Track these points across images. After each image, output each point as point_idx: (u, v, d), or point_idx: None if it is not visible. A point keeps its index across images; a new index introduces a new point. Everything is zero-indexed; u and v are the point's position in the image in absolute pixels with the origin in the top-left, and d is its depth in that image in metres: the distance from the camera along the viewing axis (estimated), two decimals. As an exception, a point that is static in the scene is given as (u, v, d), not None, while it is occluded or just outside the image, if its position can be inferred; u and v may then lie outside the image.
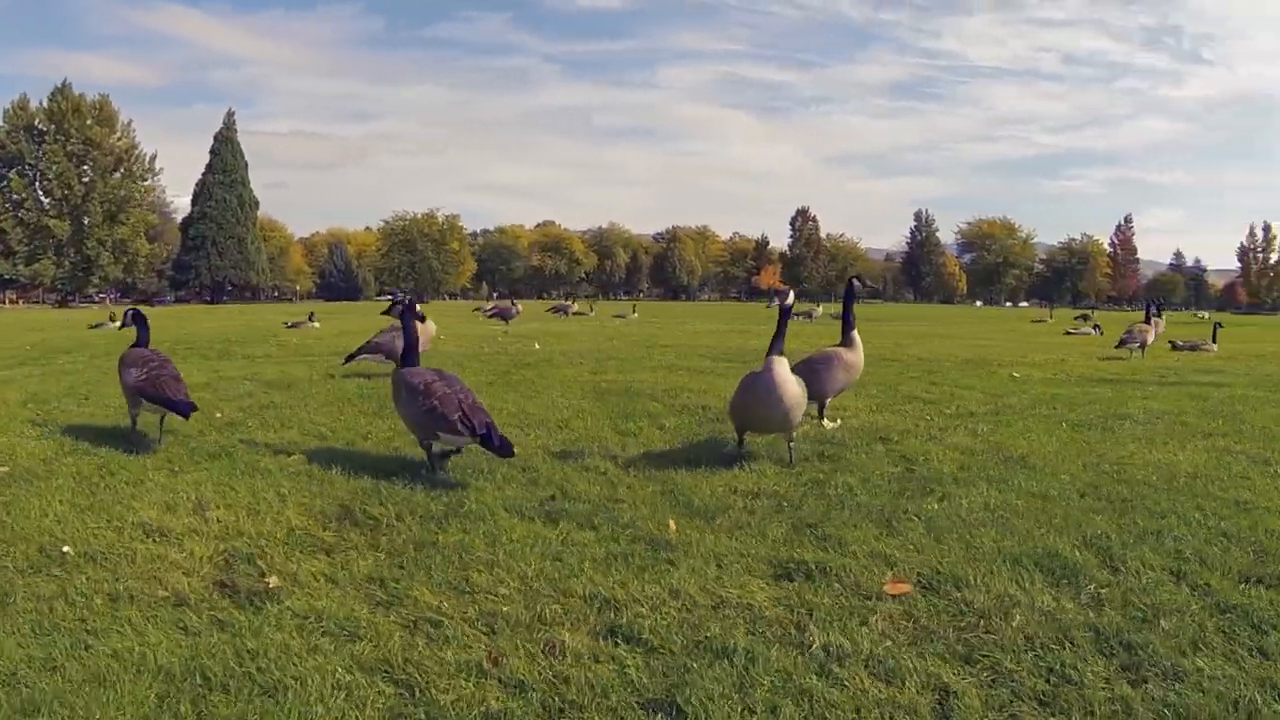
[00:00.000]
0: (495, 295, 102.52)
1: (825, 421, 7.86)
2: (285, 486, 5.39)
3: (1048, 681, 2.99)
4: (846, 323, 8.19)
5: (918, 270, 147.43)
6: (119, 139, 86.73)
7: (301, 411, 8.18)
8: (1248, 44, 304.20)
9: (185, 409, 6.41)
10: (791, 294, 6.62)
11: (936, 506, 5.04)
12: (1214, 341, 18.36)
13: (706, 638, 3.23)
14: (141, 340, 7.22)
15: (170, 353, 13.20)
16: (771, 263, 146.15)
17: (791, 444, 6.31)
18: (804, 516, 4.77)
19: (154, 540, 4.42)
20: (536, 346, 16.10)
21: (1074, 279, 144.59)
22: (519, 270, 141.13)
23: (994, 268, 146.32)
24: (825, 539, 4.38)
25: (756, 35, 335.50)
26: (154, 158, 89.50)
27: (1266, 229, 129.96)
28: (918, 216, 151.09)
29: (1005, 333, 28.82)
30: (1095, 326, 29.52)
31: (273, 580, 3.88)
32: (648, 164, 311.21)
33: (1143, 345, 16.17)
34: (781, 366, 6.05)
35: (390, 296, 12.80)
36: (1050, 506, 5.09)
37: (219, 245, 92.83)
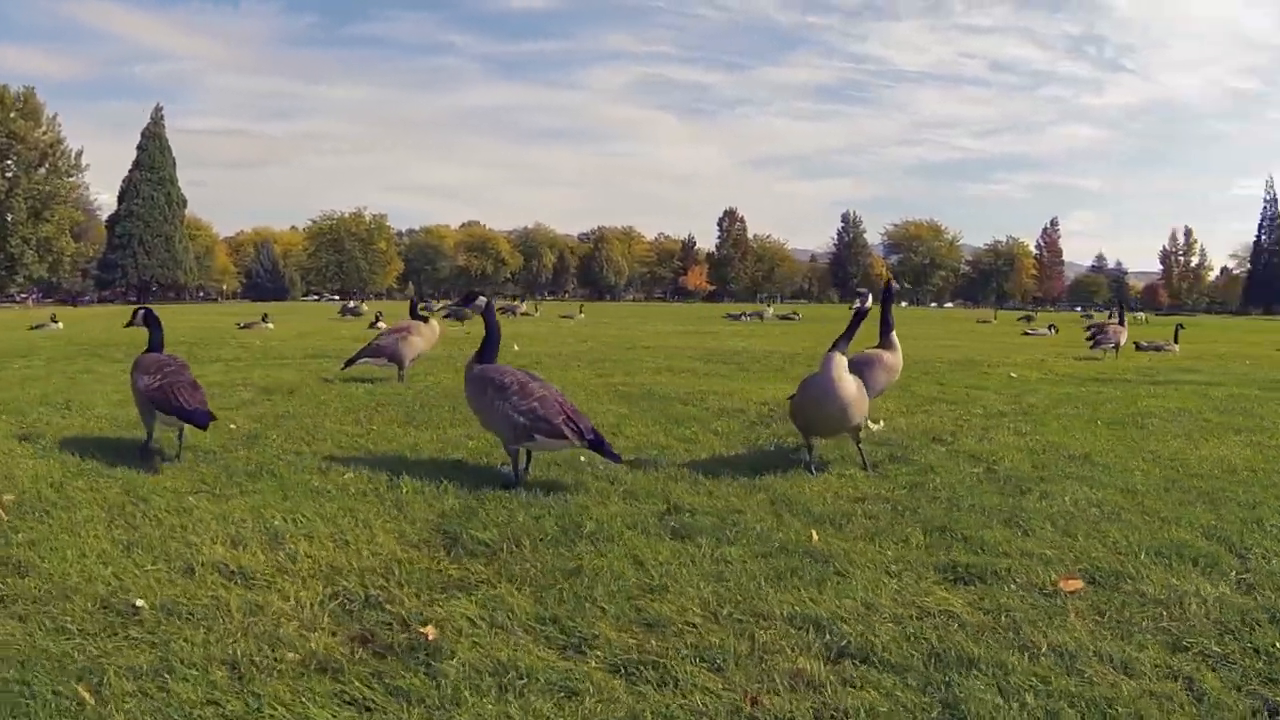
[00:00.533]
0: (434, 295, 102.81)
1: (869, 423, 8.11)
2: (361, 510, 5.03)
3: (1263, 661, 3.22)
4: (886, 324, 8.46)
5: (845, 271, 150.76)
6: (44, 133, 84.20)
7: (325, 421, 7.91)
8: (1167, 54, 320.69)
9: (202, 419, 6.06)
10: (870, 298, 6.80)
11: (1043, 505, 5.28)
12: (1175, 342, 19.29)
13: (941, 650, 3.29)
14: (155, 344, 6.83)
15: (108, 358, 12.82)
16: (698, 263, 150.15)
17: (861, 445, 6.49)
18: (929, 520, 4.91)
19: (240, 585, 3.89)
20: (515, 348, 16.09)
21: (1000, 280, 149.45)
22: (444, 270, 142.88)
23: (921, 269, 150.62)
24: (968, 541, 4.53)
25: (683, 37, 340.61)
26: (80, 153, 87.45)
27: (1188, 233, 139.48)
28: (845, 218, 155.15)
29: (963, 334, 29.75)
30: (1050, 326, 30.71)
31: (430, 631, 3.40)
32: (574, 165, 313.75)
33: (1116, 346, 16.95)
34: (839, 364, 6.13)
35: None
36: (1147, 502, 5.38)
37: (146, 244, 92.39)
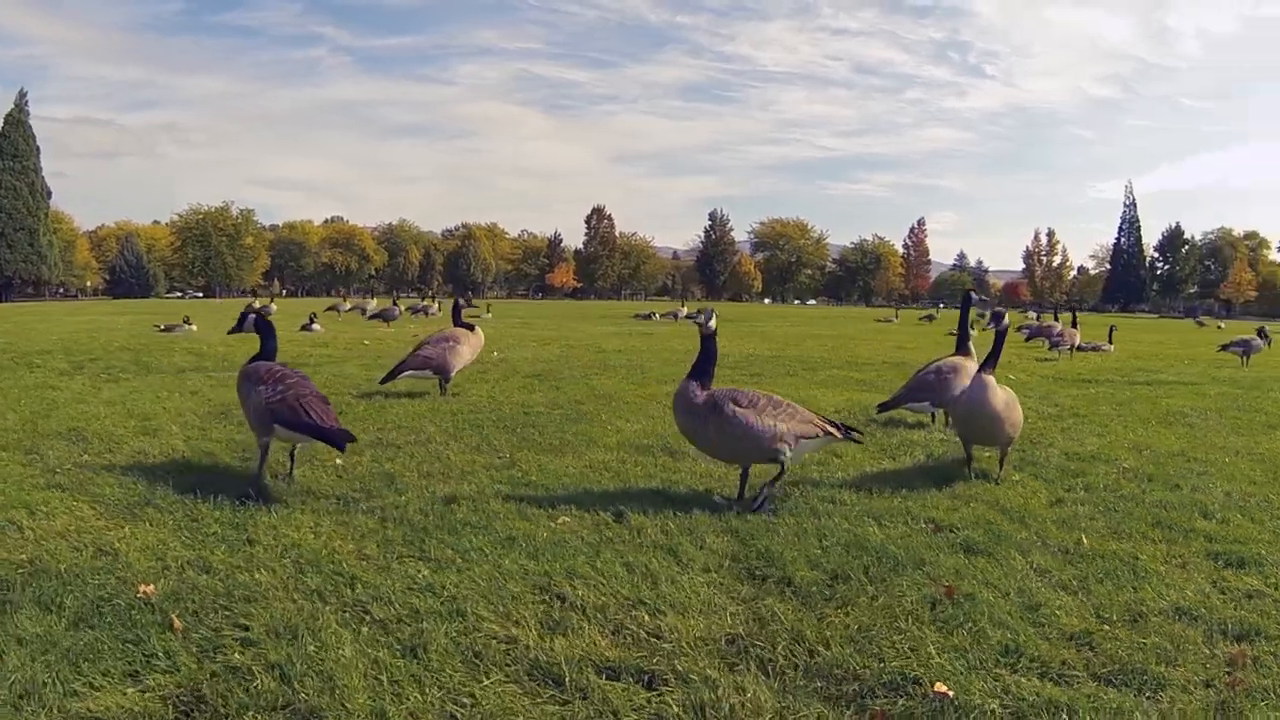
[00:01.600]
0: (284, 292, 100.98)
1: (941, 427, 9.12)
2: (630, 557, 4.69)
3: None
4: (964, 333, 9.47)
5: (712, 269, 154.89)
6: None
7: (446, 452, 7.39)
8: (1029, 61, 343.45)
9: (341, 438, 5.70)
10: (1008, 316, 7.64)
11: (1203, 497, 6.25)
12: (1110, 343, 21.30)
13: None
14: (268, 351, 6.53)
15: (56, 370, 12.17)
16: (565, 260, 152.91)
17: (1004, 457, 7.28)
18: (1150, 517, 5.78)
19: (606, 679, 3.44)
20: (496, 355, 16.35)
21: (866, 278, 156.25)
22: (309, 266, 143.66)
23: (786, 266, 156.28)
24: (1194, 533, 5.41)
25: (553, 34, 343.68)
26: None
27: (1050, 234, 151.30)
28: (713, 216, 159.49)
29: (885, 334, 31.36)
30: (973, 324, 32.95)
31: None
32: (441, 160, 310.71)
33: (1071, 347, 18.70)
34: (989, 384, 6.80)
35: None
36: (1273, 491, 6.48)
37: (8, 238, 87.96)
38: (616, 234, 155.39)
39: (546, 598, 4.17)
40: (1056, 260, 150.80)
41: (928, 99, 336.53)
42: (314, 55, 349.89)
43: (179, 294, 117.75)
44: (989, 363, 7.06)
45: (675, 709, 3.21)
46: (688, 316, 50.41)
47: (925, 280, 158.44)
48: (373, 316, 27.98)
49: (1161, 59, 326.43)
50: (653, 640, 3.76)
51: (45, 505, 5.44)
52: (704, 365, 6.17)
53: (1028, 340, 23.38)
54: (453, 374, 10.74)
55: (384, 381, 10.53)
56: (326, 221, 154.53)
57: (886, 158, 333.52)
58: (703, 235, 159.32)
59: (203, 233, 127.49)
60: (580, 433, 8.40)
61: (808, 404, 10.34)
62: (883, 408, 9.27)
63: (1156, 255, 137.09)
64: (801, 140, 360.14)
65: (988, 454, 7.32)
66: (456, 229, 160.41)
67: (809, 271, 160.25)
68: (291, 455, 6.36)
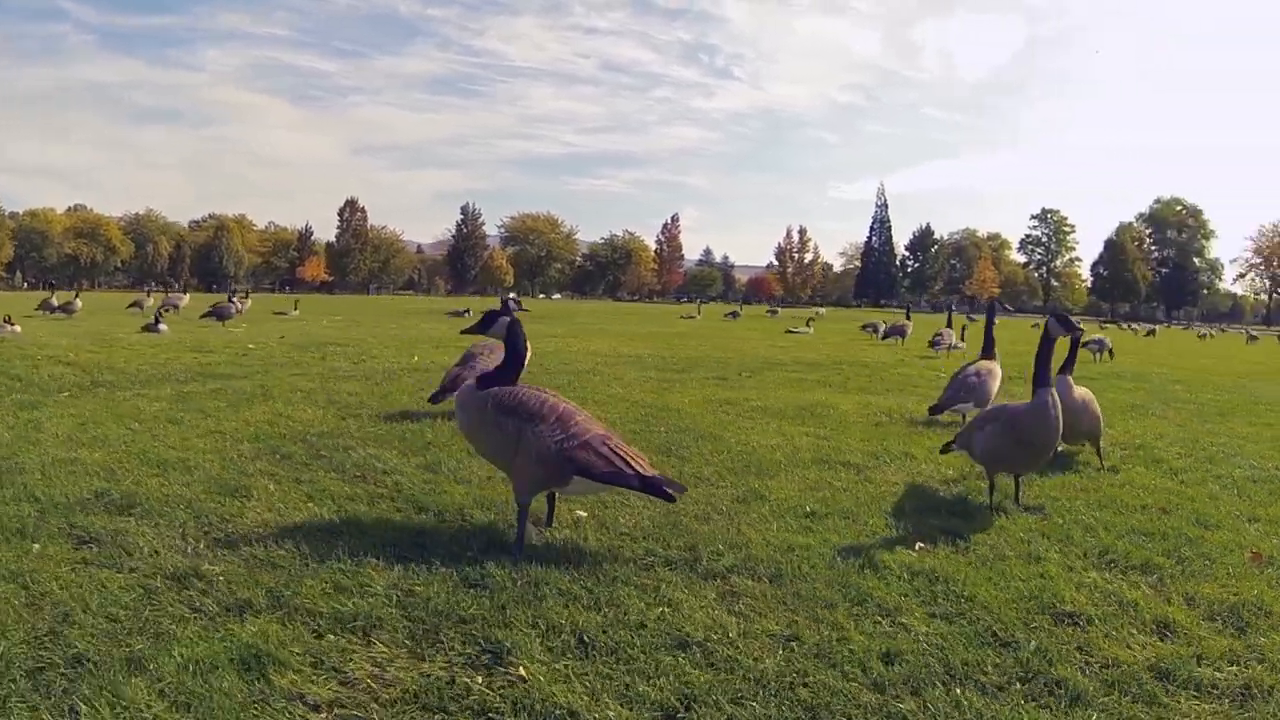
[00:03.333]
0: (25, 285, 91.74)
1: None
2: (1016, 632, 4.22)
3: None
4: (990, 339, 10.52)
5: (463, 263, 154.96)
6: None
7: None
8: (775, 67, 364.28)
9: (672, 490, 5.01)
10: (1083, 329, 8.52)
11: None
12: (962, 340, 23.50)
13: None
14: (515, 363, 5.52)
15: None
16: (316, 253, 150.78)
17: (1100, 450, 8.25)
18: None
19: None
20: (415, 359, 15.89)
21: (616, 273, 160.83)
22: (53, 257, 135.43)
23: (537, 261, 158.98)
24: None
25: (302, 21, 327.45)
26: None
27: (802, 231, 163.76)
28: (464, 210, 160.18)
29: (721, 330, 32.58)
30: (810, 321, 35.48)
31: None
32: (187, 148, 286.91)
33: (949, 346, 20.59)
34: (1071, 384, 7.85)
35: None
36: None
37: None
38: (369, 227, 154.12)
39: None
40: (809, 257, 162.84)
41: (676, 98, 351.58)
42: (58, 31, 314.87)
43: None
44: (1068, 367, 8.05)
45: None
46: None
47: (678, 275, 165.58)
48: (207, 315, 25.90)
49: (905, 70, 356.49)
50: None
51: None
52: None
53: (884, 339, 25.49)
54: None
55: (435, 400, 9.20)
56: (70, 210, 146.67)
57: (633, 155, 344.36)
58: (454, 229, 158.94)
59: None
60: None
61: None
62: (933, 410, 10.11)
63: (907, 253, 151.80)
64: (547, 136, 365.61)
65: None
66: (205, 220, 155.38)
67: (559, 266, 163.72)
68: (551, 506, 5.59)
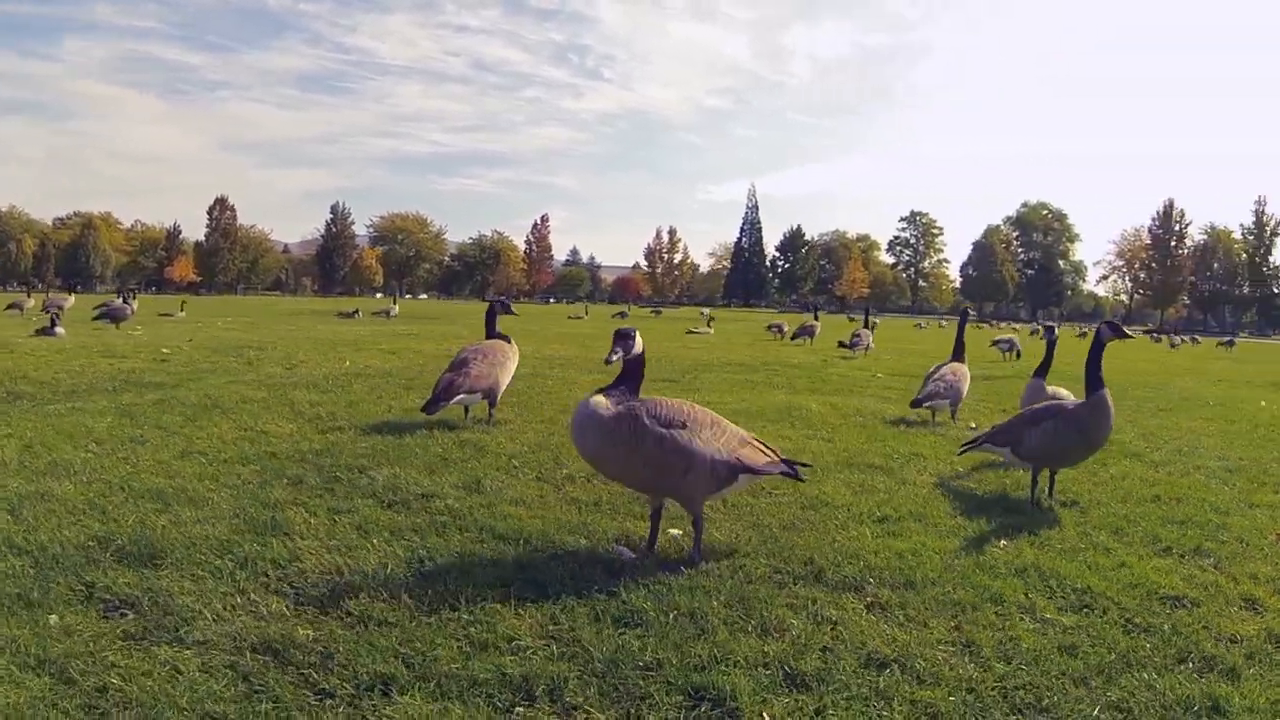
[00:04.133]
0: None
1: (969, 425, 10.83)
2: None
3: None
4: (960, 344, 11.30)
5: (332, 262, 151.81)
6: None
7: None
8: (646, 68, 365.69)
9: (798, 468, 5.62)
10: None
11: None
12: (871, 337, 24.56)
13: None
14: (636, 371, 5.33)
15: None
16: (184, 253, 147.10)
17: None
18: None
19: None
20: (348, 364, 15.49)
21: (485, 273, 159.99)
22: None
23: (406, 260, 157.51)
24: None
25: (170, 13, 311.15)
26: None
27: (672, 232, 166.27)
28: (334, 209, 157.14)
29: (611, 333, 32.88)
30: (710, 321, 36.37)
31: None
32: (50, 142, 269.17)
33: (866, 347, 21.49)
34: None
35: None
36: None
37: None
38: (238, 226, 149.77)
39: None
40: (678, 257, 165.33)
41: (545, 98, 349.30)
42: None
43: None
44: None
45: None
46: (377, 312, 48.96)
47: (548, 275, 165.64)
48: (100, 316, 24.43)
49: (773, 75, 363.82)
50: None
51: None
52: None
53: (793, 339, 26.39)
54: (499, 396, 9.57)
55: (431, 411, 8.75)
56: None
57: (501, 155, 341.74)
58: (323, 228, 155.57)
59: None
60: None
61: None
62: (914, 404, 10.72)
63: (778, 254, 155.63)
64: (416, 135, 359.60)
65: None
66: (70, 217, 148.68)
67: (427, 266, 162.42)
68: (655, 521, 5.46)
